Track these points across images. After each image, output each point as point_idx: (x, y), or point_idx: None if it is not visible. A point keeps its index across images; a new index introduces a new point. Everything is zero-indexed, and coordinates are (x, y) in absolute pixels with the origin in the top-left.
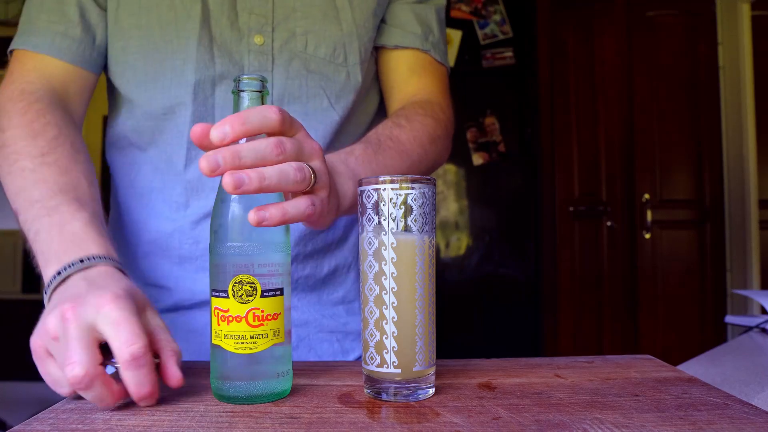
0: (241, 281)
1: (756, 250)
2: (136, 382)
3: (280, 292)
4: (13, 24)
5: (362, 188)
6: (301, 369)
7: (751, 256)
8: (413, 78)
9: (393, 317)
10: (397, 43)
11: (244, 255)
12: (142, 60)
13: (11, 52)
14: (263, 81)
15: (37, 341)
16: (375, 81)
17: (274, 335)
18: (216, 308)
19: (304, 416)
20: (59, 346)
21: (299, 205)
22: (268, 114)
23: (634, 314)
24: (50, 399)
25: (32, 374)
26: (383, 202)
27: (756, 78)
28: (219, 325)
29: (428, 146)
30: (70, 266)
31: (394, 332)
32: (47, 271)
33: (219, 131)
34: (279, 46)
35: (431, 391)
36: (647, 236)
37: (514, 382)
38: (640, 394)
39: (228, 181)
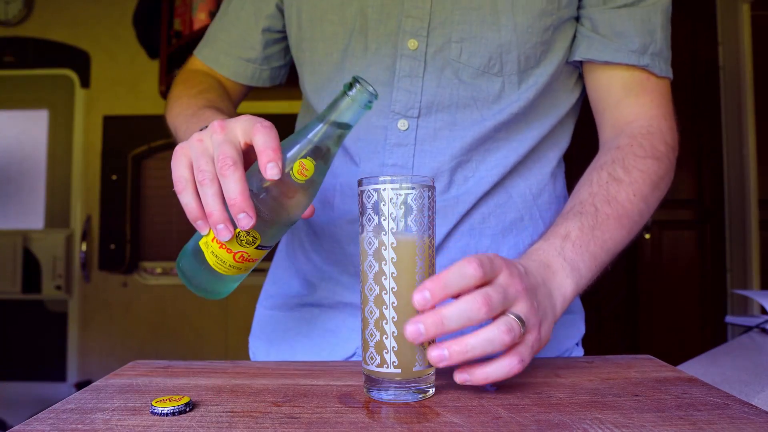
0: (248, 232)
1: (756, 250)
2: (264, 140)
3: (270, 247)
4: (12, 24)
5: (362, 188)
6: (301, 369)
7: (751, 256)
8: (629, 99)
9: (393, 317)
10: (607, 59)
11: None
12: (312, 75)
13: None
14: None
15: (180, 145)
16: (566, 83)
17: (246, 270)
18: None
19: (304, 416)
20: (199, 147)
21: (503, 366)
22: (468, 272)
23: (634, 314)
24: (50, 399)
25: (32, 374)
26: (383, 202)
27: (756, 78)
28: (213, 241)
29: (650, 197)
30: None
31: (394, 332)
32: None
33: (419, 297)
34: (433, 53)
35: (431, 391)
36: (647, 236)
37: (514, 382)
38: (640, 394)
39: (430, 356)
